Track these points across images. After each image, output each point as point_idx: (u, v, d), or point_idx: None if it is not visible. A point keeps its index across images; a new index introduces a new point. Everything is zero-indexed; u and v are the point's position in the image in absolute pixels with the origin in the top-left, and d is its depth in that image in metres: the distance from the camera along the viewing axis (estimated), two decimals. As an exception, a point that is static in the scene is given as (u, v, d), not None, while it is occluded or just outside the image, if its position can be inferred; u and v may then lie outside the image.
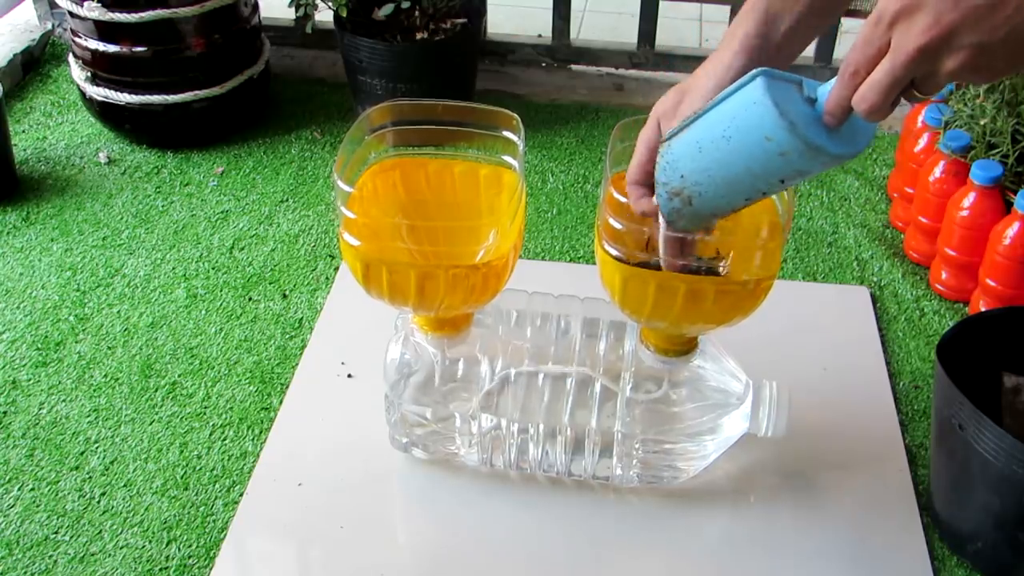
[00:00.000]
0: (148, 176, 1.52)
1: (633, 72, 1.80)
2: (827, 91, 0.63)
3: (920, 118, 1.35)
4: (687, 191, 0.71)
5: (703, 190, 0.70)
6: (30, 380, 1.15)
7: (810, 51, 1.73)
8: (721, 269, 0.82)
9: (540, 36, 1.84)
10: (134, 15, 1.44)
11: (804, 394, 1.03)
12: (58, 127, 1.64)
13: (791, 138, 0.63)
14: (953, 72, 0.57)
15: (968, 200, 1.20)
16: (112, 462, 1.05)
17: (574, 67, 1.82)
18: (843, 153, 0.64)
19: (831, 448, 1.06)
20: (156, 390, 1.14)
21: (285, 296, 1.28)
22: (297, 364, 1.17)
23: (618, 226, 0.82)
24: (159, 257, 1.35)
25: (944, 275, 1.27)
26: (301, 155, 1.57)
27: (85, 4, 1.44)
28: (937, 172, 1.27)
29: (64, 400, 1.12)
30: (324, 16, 1.60)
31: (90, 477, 1.04)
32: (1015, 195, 1.14)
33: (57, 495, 1.02)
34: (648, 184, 0.77)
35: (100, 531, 0.98)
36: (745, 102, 0.65)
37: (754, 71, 0.65)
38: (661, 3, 1.72)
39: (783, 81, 0.65)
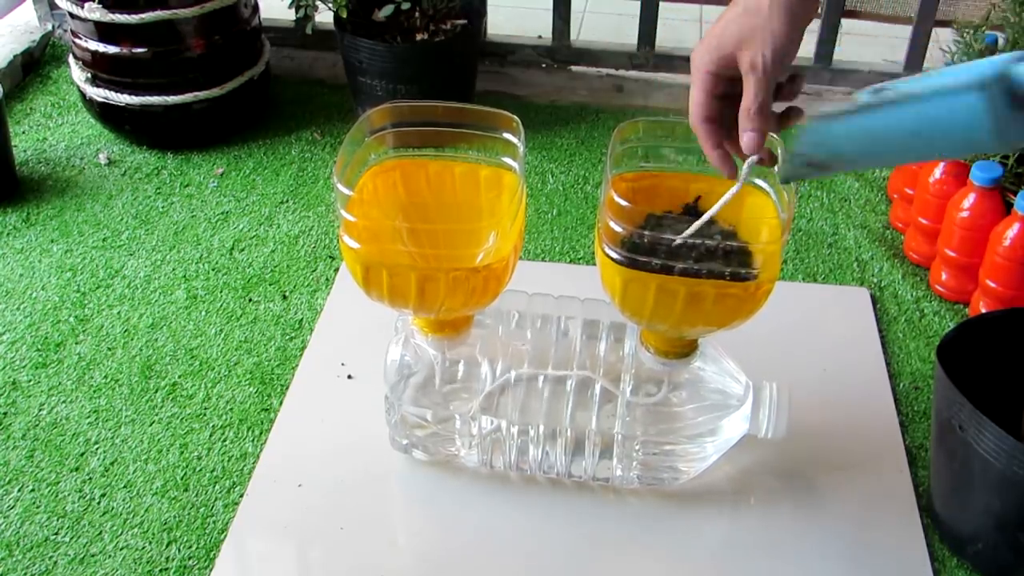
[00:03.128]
0: (148, 177, 1.52)
1: (633, 73, 1.80)
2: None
3: (920, 119, 1.35)
4: (834, 164, 0.67)
5: (856, 164, 0.65)
6: (30, 381, 1.15)
7: (810, 52, 1.73)
8: (746, 273, 0.82)
9: (540, 37, 1.84)
10: (134, 16, 1.44)
11: (804, 395, 1.03)
12: (58, 128, 1.64)
13: (996, 143, 0.61)
14: None
15: (968, 201, 1.20)
16: (112, 463, 1.05)
17: (574, 68, 1.82)
18: None
19: (831, 449, 1.06)
20: (156, 391, 1.14)
21: (285, 297, 1.28)
22: (297, 365, 1.17)
23: (619, 229, 0.82)
24: (159, 258, 1.35)
25: (944, 276, 1.27)
26: (301, 156, 1.57)
27: (85, 5, 1.44)
28: (937, 173, 1.27)
29: (64, 401, 1.12)
30: (324, 17, 1.60)
31: (90, 478, 1.04)
32: (1015, 196, 1.14)
33: (57, 496, 1.02)
34: (714, 120, 0.74)
35: (100, 532, 0.98)
36: (958, 111, 0.60)
37: (977, 75, 0.59)
38: (661, 4, 1.72)
39: (998, 88, 0.59)
